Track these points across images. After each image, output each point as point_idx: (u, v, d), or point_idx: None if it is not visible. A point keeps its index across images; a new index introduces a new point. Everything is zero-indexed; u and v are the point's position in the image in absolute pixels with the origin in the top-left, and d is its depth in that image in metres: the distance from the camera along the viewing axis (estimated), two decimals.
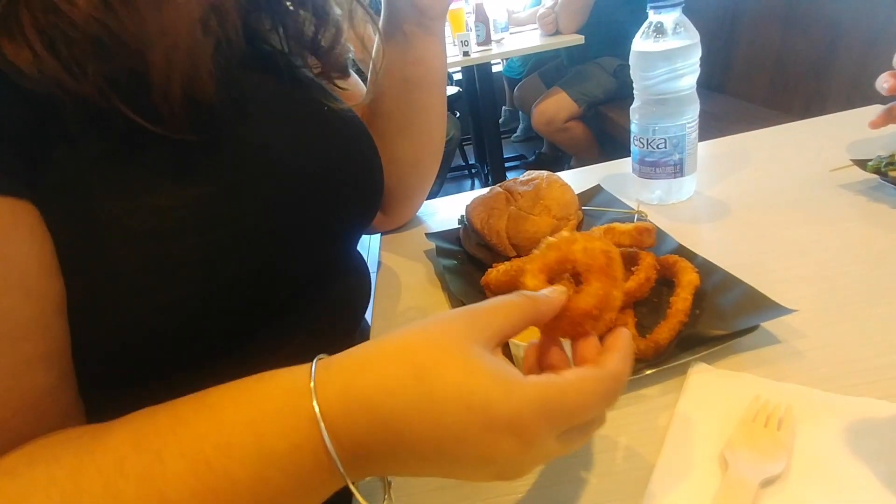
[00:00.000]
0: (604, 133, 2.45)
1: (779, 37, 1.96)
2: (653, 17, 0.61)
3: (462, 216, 0.63)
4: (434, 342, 0.25)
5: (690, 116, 0.63)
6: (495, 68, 3.04)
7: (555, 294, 0.30)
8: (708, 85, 2.28)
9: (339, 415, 0.24)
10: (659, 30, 0.61)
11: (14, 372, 0.28)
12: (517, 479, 0.27)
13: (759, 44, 2.05)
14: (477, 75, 2.47)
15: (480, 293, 0.54)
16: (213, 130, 0.35)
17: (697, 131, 0.66)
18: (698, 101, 0.64)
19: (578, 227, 0.60)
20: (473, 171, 3.33)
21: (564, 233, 0.34)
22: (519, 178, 0.61)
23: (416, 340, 0.26)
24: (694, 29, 0.61)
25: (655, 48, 0.61)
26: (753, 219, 0.62)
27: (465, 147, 3.27)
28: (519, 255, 0.56)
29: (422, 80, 0.61)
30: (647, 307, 0.49)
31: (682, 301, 0.45)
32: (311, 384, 0.25)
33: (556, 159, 3.05)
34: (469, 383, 0.24)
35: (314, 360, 0.26)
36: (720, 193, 0.69)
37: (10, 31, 0.27)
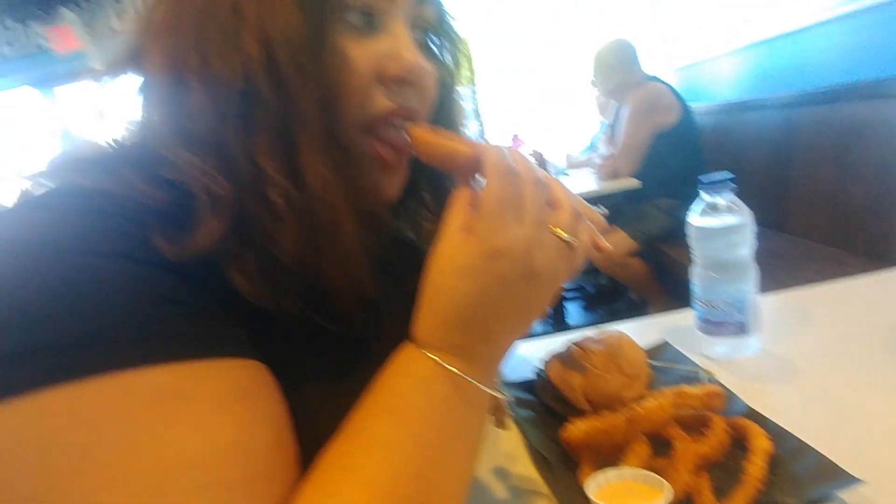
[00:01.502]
0: (663, 268, 2.50)
1: (833, 178, 2.02)
2: (705, 196, 0.70)
3: (538, 369, 0.70)
4: (428, 265, 0.37)
5: (750, 282, 0.69)
6: None
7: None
8: (765, 223, 2.31)
9: (436, 344, 0.37)
10: (712, 207, 0.70)
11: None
12: (552, 273, 0.37)
13: (814, 185, 2.11)
14: None
15: (559, 445, 0.58)
16: (369, 326, 0.43)
17: (758, 294, 0.71)
18: (756, 268, 0.70)
19: (648, 385, 0.64)
20: None
21: None
22: (591, 336, 0.68)
23: (425, 276, 0.37)
24: (746, 207, 0.69)
25: (711, 224, 0.69)
26: (821, 380, 0.65)
27: None
28: (594, 411, 0.61)
29: None
30: (721, 470, 0.51)
31: (756, 468, 0.48)
32: (410, 342, 0.38)
33: (616, 291, 3.08)
34: (447, 263, 0.36)
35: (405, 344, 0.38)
36: (786, 352, 0.72)
37: (243, 269, 0.36)
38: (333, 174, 0.37)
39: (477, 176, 0.38)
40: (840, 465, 0.47)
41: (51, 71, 3.41)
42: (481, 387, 0.38)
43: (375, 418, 0.36)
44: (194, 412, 0.30)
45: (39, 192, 0.36)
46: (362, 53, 0.39)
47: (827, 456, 0.48)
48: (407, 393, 0.36)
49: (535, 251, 0.36)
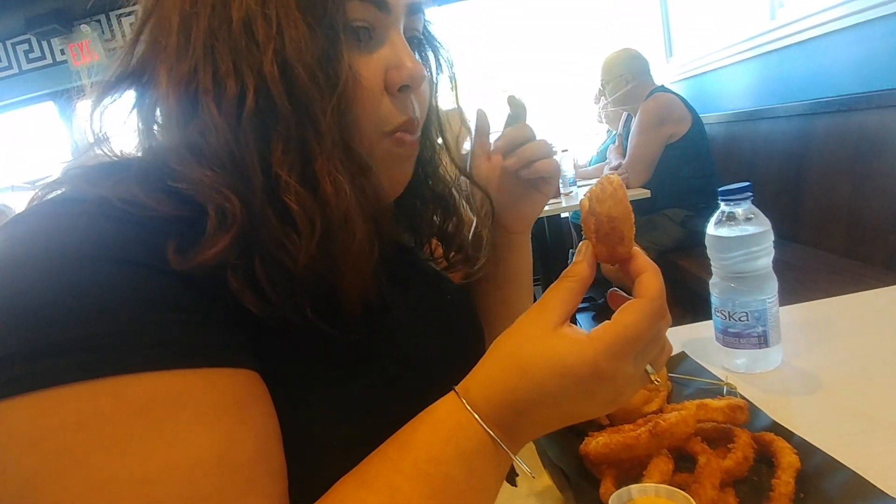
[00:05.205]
0: (674, 280, 2.47)
1: (849, 189, 1.99)
2: (724, 206, 0.69)
3: None
4: (523, 342, 0.38)
5: (770, 292, 0.68)
6: (563, 214, 3.22)
7: (580, 258, 0.40)
8: (779, 233, 2.27)
9: (495, 419, 0.37)
10: (731, 217, 0.69)
11: (280, 501, 0.34)
12: (623, 402, 0.38)
13: (829, 196, 2.08)
14: (547, 226, 2.63)
15: (577, 459, 0.57)
16: (371, 328, 0.42)
17: (778, 305, 0.69)
18: (776, 279, 0.69)
19: (668, 398, 0.63)
20: None
21: (595, 188, 0.39)
22: None
23: (511, 348, 0.38)
24: (764, 217, 0.68)
25: (729, 234, 0.68)
26: (848, 393, 0.63)
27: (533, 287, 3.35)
28: (612, 424, 0.60)
29: (508, 279, 0.67)
30: (747, 486, 0.50)
31: (784, 484, 0.46)
32: (468, 408, 0.37)
33: None
34: (554, 361, 0.36)
35: (454, 390, 0.39)
36: (809, 364, 0.71)
37: (246, 279, 0.35)
38: (347, 180, 0.38)
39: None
40: (870, 481, 0.46)
41: (70, 85, 3.48)
42: (522, 466, 0.39)
43: (409, 480, 0.35)
44: (180, 423, 0.30)
45: (49, 197, 0.36)
46: (368, 65, 0.42)
47: (857, 472, 0.47)
48: (448, 463, 0.36)
49: (629, 387, 0.38)
